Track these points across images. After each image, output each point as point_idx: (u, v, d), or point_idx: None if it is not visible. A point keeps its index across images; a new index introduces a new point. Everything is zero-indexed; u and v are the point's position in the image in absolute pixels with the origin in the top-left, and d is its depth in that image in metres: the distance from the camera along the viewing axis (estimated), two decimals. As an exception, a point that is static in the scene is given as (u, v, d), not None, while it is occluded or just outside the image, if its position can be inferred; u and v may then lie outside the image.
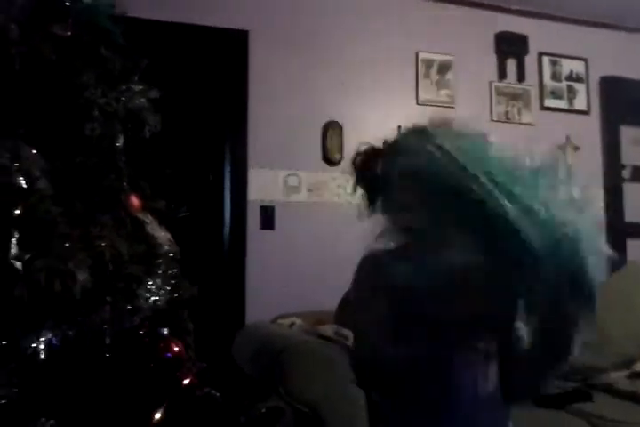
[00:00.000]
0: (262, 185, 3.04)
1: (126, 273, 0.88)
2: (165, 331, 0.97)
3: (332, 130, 3.17)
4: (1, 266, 0.78)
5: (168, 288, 0.95)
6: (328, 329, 2.12)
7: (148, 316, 0.92)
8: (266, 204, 3.04)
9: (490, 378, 1.07)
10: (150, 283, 0.90)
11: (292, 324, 2.62)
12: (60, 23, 1.02)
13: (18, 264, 0.80)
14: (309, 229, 3.06)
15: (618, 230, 3.39)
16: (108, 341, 0.82)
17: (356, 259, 3.36)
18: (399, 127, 3.36)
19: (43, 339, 0.76)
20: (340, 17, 3.25)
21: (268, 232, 3.02)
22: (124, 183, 1.15)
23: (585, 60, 3.70)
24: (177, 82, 2.88)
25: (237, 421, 1.08)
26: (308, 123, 3.15)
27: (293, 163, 3.10)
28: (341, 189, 3.14)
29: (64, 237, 0.87)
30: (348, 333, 2.11)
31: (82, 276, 0.85)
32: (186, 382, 0.99)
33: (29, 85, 0.93)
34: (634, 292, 2.72)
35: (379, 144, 1.24)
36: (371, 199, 1.21)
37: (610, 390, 2.27)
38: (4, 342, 0.74)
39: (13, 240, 0.81)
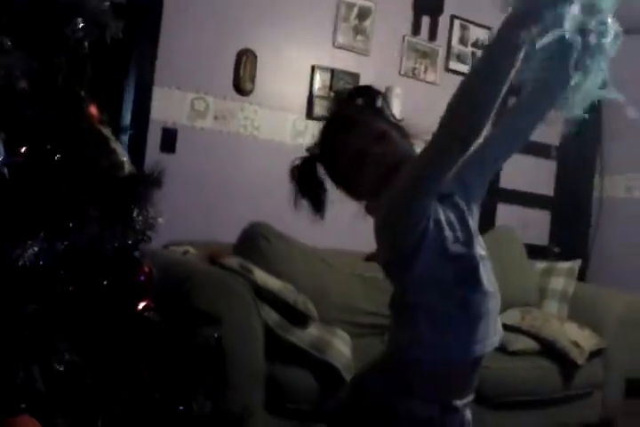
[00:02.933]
0: (167, 106, 2.91)
1: (119, 192, 0.84)
2: (137, 254, 0.94)
3: (246, 58, 3.07)
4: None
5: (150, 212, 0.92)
6: (233, 261, 2.13)
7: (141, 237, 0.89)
8: (169, 126, 2.92)
9: None
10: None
11: (186, 252, 2.59)
12: None
13: (5, 170, 0.73)
14: (211, 158, 3.00)
15: (491, 195, 3.69)
16: (99, 258, 0.78)
17: (254, 192, 3.35)
18: (313, 67, 3.35)
19: (33, 249, 0.71)
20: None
21: (167, 155, 2.92)
22: (84, 91, 1.07)
23: (490, 29, 3.86)
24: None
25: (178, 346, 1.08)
26: (223, 47, 3.02)
27: (202, 86, 2.98)
28: (249, 120, 3.09)
29: (49, 143, 0.81)
30: (253, 266, 2.15)
31: (64, 187, 0.80)
32: (142, 305, 0.98)
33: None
34: (499, 254, 3.00)
35: (308, 152, 1.27)
36: (317, 203, 1.24)
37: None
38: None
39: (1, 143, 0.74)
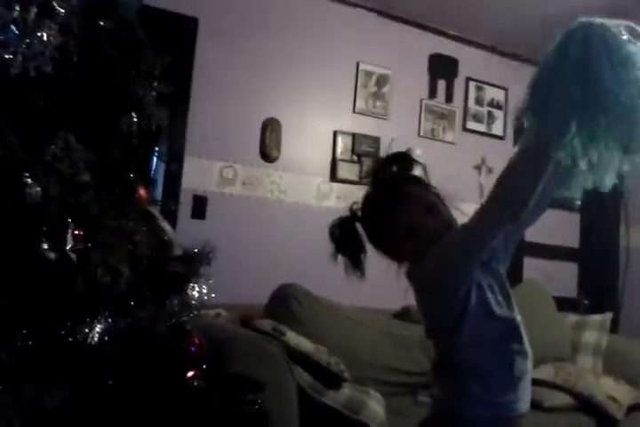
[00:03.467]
0: (197, 174, 3.05)
1: (172, 271, 0.92)
2: (188, 326, 1.01)
3: (271, 126, 3.23)
4: (60, 258, 0.80)
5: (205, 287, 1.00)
6: (266, 324, 2.19)
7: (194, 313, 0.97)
8: (199, 193, 3.05)
9: None
10: (195, 281, 0.95)
11: (218, 314, 2.65)
12: (108, 17, 1.04)
13: (73, 256, 0.82)
14: (240, 223, 3.12)
15: (517, 249, 3.72)
16: (157, 335, 0.86)
17: (283, 254, 3.39)
18: (335, 132, 3.48)
19: (97, 329, 0.79)
20: (289, 16, 3.32)
21: (198, 222, 3.04)
22: (132, 175, 1.18)
23: (505, 89, 4.01)
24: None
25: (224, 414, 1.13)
26: (249, 117, 3.19)
27: (230, 155, 3.13)
28: (275, 185, 3.22)
29: (109, 230, 0.90)
30: (286, 329, 2.20)
31: (125, 270, 0.89)
32: (190, 374, 1.04)
33: (83, 77, 0.95)
34: (532, 306, 3.02)
35: (350, 213, 1.33)
36: (356, 261, 1.29)
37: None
38: (62, 332, 0.76)
39: (69, 232, 0.83)
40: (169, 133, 3.06)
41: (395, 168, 1.36)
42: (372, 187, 1.34)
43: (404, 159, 1.38)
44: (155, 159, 3.12)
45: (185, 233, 3.06)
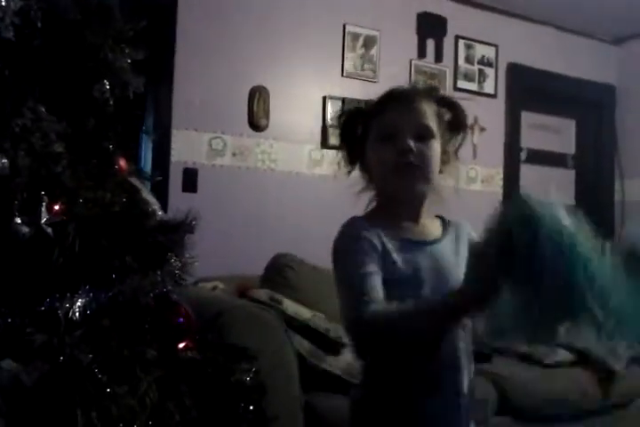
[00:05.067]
0: (186, 147, 3.01)
1: (154, 241, 0.90)
2: (174, 296, 0.99)
3: (259, 94, 3.17)
4: (35, 232, 0.77)
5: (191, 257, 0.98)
6: (262, 294, 2.18)
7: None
8: (189, 166, 3.01)
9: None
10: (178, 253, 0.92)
11: (215, 287, 2.65)
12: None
13: (49, 230, 0.79)
14: (232, 194, 3.08)
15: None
16: (141, 307, 0.84)
17: (276, 224, 3.38)
18: (324, 98, 3.42)
19: (78, 303, 0.77)
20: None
21: (190, 195, 3.00)
22: (112, 146, 1.14)
23: (496, 46, 3.93)
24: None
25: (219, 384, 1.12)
26: (236, 85, 3.12)
27: (219, 126, 3.08)
28: (265, 154, 3.18)
29: (86, 202, 0.87)
30: (282, 297, 2.20)
31: (103, 242, 0.86)
32: (182, 345, 1.02)
33: (49, 43, 0.91)
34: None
35: (362, 104, 1.25)
36: (352, 158, 1.23)
37: (506, 351, 2.53)
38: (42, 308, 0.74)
39: (43, 205, 0.80)
40: (155, 106, 3.01)
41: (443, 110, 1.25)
42: (401, 88, 1.22)
43: (455, 108, 1.27)
44: (142, 134, 3.08)
45: (177, 207, 3.03)
